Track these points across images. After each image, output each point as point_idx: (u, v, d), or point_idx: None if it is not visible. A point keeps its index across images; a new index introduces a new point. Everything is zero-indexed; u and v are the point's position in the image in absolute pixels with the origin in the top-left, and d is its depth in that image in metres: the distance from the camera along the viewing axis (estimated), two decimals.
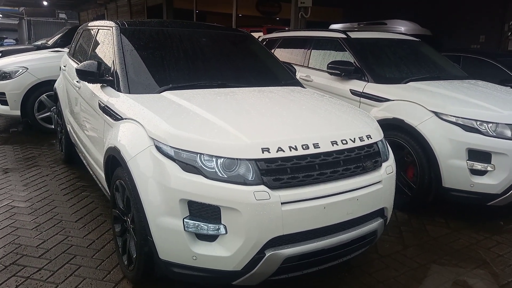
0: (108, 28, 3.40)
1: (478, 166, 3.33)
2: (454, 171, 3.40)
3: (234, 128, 2.20)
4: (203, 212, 2.06)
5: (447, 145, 3.40)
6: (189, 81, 2.95)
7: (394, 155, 3.67)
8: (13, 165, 4.64)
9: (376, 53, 4.59)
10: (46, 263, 2.69)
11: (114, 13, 19.52)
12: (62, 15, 31.08)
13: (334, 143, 2.29)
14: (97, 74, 2.91)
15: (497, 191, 3.32)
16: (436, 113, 3.50)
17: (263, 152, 2.08)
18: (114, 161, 2.51)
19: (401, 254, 3.03)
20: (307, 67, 5.03)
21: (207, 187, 2.01)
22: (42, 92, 6.00)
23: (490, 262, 2.95)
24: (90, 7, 23.28)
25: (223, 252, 2.05)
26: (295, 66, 5.13)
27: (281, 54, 5.56)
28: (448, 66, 4.79)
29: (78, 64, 3.22)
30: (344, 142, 2.33)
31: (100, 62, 2.99)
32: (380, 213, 2.49)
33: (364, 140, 2.43)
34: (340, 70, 4.31)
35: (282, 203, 2.04)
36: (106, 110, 2.81)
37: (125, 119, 2.52)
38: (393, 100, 3.86)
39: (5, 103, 5.95)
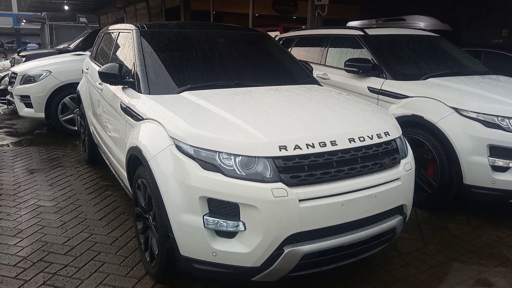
0: (129, 31, 3.49)
1: (500, 162, 3.28)
2: (475, 168, 3.35)
3: (252, 126, 2.24)
4: (222, 209, 2.10)
5: (467, 142, 3.35)
6: (207, 81, 3.00)
7: (413, 153, 3.65)
8: (38, 166, 4.80)
9: (394, 50, 4.55)
10: (72, 260, 2.78)
11: (133, 16, 19.84)
12: (83, 19, 31.80)
13: (351, 140, 2.30)
14: (118, 76, 2.99)
15: None
16: (456, 109, 3.46)
17: (280, 150, 2.11)
18: (136, 160, 2.58)
19: (421, 251, 3.01)
20: (324, 65, 5.02)
21: (225, 184, 2.05)
22: (65, 94, 6.17)
23: None
24: (110, 11, 23.73)
25: (242, 249, 2.09)
26: (312, 65, 5.14)
27: (298, 52, 5.57)
28: (469, 62, 4.71)
29: (100, 67, 3.32)
30: (361, 139, 2.33)
31: (121, 65, 3.07)
32: (399, 210, 2.49)
33: (382, 137, 2.43)
34: (358, 68, 4.29)
35: (300, 200, 2.06)
36: (128, 111, 2.88)
37: (146, 119, 2.58)
38: (412, 97, 3.82)
39: (30, 105, 6.15)
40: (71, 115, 6.20)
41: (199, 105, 2.54)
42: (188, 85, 2.88)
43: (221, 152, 2.11)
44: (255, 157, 2.10)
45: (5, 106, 7.66)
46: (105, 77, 3.01)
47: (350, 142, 2.29)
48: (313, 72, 5.01)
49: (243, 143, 2.12)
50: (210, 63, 3.24)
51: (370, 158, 2.34)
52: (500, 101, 3.43)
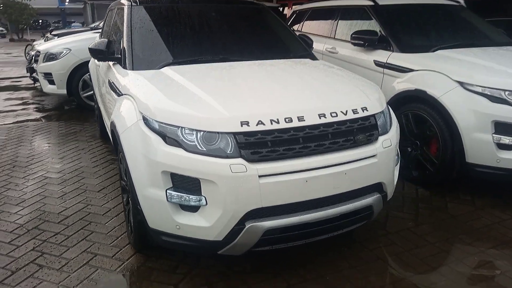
0: (123, 6, 3.51)
1: (506, 140, 3.06)
2: (479, 145, 3.15)
3: (218, 102, 2.21)
4: (185, 184, 2.12)
5: (471, 118, 3.14)
6: (191, 56, 2.98)
7: (416, 129, 3.50)
8: (55, 140, 5.04)
9: (405, 21, 4.29)
10: (63, 228, 2.93)
11: None
12: None
13: (321, 115, 2.22)
14: (106, 52, 3.03)
15: None
16: (461, 83, 3.24)
17: (242, 126, 2.07)
18: (114, 135, 2.64)
19: (411, 231, 2.91)
20: (334, 38, 4.84)
21: (186, 160, 2.06)
22: (85, 71, 6.34)
23: (509, 243, 2.74)
24: None
25: (204, 223, 2.11)
26: (322, 38, 5.00)
27: (310, 25, 5.41)
28: (490, 32, 4.36)
29: None
30: (333, 114, 2.25)
31: (111, 41, 3.12)
32: (376, 188, 2.40)
33: (357, 113, 2.33)
34: (364, 40, 4.10)
35: (259, 176, 2.03)
36: (112, 86, 2.94)
37: (124, 94, 2.62)
38: (417, 70, 3.61)
39: (52, 82, 6.42)
40: (91, 92, 6.41)
41: (173, 80, 2.54)
42: (170, 60, 2.87)
43: (184, 128, 2.11)
44: (216, 132, 2.08)
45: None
46: (94, 53, 3.07)
47: (320, 118, 2.21)
48: (323, 46, 4.87)
49: (205, 119, 2.11)
50: (197, 38, 3.21)
51: (342, 134, 2.25)
52: (510, 74, 3.17)
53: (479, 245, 2.72)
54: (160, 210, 2.16)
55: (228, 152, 2.06)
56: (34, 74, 7.17)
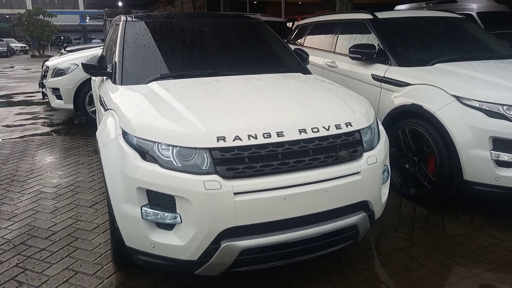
0: (119, 22, 3.55)
1: (505, 157, 2.93)
2: (476, 162, 3.02)
3: (197, 117, 2.17)
4: (160, 201, 2.07)
5: (468, 133, 3.03)
6: (179, 71, 2.97)
7: (413, 145, 3.40)
8: (57, 154, 5.09)
9: (405, 34, 4.22)
10: (50, 244, 2.91)
11: (180, 9, 20.33)
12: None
13: (302, 131, 2.16)
14: (97, 67, 3.05)
15: None
16: (457, 98, 3.14)
17: (218, 141, 2.03)
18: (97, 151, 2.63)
19: (403, 252, 2.79)
20: (334, 52, 4.79)
21: (161, 176, 2.02)
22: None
23: (507, 266, 2.60)
24: (161, 5, 24.51)
25: (178, 241, 2.05)
26: (322, 52, 4.97)
27: (311, 40, 5.38)
28: (493, 45, 4.25)
29: None
30: (315, 130, 2.19)
31: (103, 56, 3.15)
32: (362, 206, 2.31)
33: (341, 128, 2.26)
34: (361, 54, 4.04)
35: (235, 193, 1.98)
36: (101, 101, 2.95)
37: (109, 109, 2.62)
38: (413, 85, 3.53)
39: (60, 97, 6.53)
40: None
41: (157, 95, 2.52)
42: (158, 75, 2.87)
43: (160, 143, 2.08)
44: (192, 148, 2.04)
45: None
46: (86, 68, 3.09)
47: (300, 133, 2.15)
48: (323, 60, 4.83)
49: (181, 134, 2.07)
50: (188, 53, 3.20)
51: (324, 150, 2.18)
52: (509, 88, 3.06)
53: (475, 268, 2.58)
54: (135, 228, 2.11)
55: (204, 168, 2.01)
56: (43, 89, 7.31)
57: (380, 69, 3.92)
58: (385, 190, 2.57)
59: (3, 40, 35.54)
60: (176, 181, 2.00)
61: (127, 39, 3.20)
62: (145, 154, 2.09)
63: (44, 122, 7.06)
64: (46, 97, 7.09)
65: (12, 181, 4.16)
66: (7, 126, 6.78)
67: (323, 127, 2.22)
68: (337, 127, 2.26)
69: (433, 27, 4.36)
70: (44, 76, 6.99)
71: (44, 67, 7.12)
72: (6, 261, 2.71)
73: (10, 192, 3.87)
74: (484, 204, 3.42)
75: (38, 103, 9.09)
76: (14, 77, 15.40)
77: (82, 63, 3.14)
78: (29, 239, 2.99)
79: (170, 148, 2.06)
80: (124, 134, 2.22)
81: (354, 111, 2.41)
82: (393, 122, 3.66)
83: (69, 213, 3.40)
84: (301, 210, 2.10)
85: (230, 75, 2.97)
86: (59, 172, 4.40)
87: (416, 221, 3.22)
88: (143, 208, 2.07)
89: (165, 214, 2.05)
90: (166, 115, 2.24)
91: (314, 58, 5.09)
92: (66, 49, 10.75)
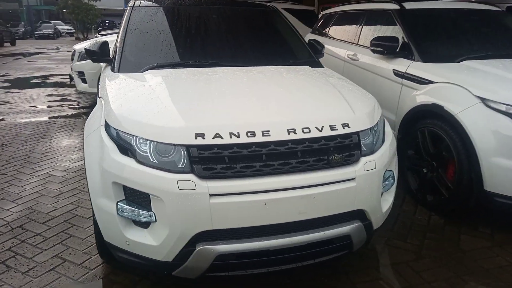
0: (128, 8, 3.46)
1: None
2: (499, 172, 2.72)
3: (179, 110, 2.05)
4: (136, 198, 1.98)
5: (491, 140, 2.73)
6: (177, 60, 2.86)
7: (432, 148, 3.12)
8: (74, 138, 5.15)
9: (433, 27, 3.87)
10: (45, 230, 2.91)
11: None
12: None
13: (291, 131, 1.98)
14: (98, 53, 2.98)
15: None
16: (482, 99, 2.83)
17: (196, 138, 1.90)
18: None
19: (408, 265, 2.57)
20: (357, 44, 4.51)
21: (135, 171, 1.92)
22: None
23: None
24: None
25: (151, 241, 1.95)
26: (346, 44, 4.70)
27: (336, 30, 5.10)
28: None
29: None
30: (305, 130, 2.00)
31: (106, 42, 3.07)
32: (357, 215, 2.11)
33: (336, 129, 2.06)
34: (383, 47, 3.75)
35: (211, 195, 1.84)
36: (99, 89, 2.88)
37: (100, 97, 2.55)
38: (436, 83, 3.23)
39: (84, 81, 6.61)
40: None
41: (147, 85, 2.41)
42: (155, 63, 2.76)
43: (138, 137, 1.97)
44: (170, 144, 1.92)
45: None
46: (88, 54, 3.03)
47: (289, 133, 1.98)
48: (345, 52, 4.57)
49: (160, 128, 1.95)
50: (191, 42, 3.07)
51: (314, 153, 2.00)
52: None
53: None
54: (110, 223, 2.03)
55: (180, 166, 1.89)
56: (70, 72, 7.45)
57: (402, 64, 3.63)
58: (389, 198, 2.36)
59: (50, 23, 36.95)
60: (150, 179, 1.89)
61: (131, 25, 3.11)
62: (124, 147, 2.00)
63: (71, 105, 7.20)
64: (72, 80, 7.22)
65: (25, 162, 4.24)
66: (36, 106, 6.97)
67: (316, 127, 2.03)
68: (332, 128, 2.06)
69: (466, 20, 3.99)
70: (72, 59, 7.11)
71: (72, 50, 7.24)
72: (1, 243, 2.74)
73: (21, 174, 3.93)
74: (507, 219, 3.11)
75: (70, 86, 9.30)
76: (55, 58, 15.93)
77: (85, 48, 3.08)
78: (27, 223, 3.00)
79: (148, 143, 1.95)
80: (107, 125, 2.13)
81: (355, 111, 2.20)
82: (413, 122, 3.38)
83: (71, 199, 3.40)
84: (284, 216, 1.94)
85: (231, 66, 2.81)
86: (72, 156, 4.43)
87: (429, 231, 2.96)
88: (118, 203, 1.98)
89: (141, 212, 1.96)
90: (149, 108, 2.12)
91: (337, 50, 4.83)
92: (100, 33, 10.95)
